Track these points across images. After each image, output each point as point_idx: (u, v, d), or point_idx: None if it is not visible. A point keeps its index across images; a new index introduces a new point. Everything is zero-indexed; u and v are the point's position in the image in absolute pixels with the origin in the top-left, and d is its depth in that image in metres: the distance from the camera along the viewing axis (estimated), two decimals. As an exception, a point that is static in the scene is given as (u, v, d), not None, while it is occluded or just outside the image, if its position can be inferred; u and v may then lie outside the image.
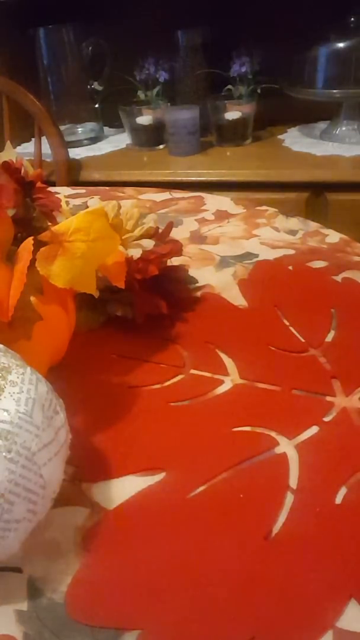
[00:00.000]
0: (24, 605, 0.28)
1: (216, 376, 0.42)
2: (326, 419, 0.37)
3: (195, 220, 0.70)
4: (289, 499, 0.32)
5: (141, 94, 1.36)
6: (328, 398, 0.39)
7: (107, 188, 0.86)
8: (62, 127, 1.26)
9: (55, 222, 0.43)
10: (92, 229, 0.39)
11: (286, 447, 0.35)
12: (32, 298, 0.37)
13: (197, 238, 0.65)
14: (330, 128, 1.30)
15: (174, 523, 0.31)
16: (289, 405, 0.39)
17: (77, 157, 1.31)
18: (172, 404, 0.40)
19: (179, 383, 0.42)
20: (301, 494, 0.32)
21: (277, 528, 0.30)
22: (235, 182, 1.16)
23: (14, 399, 0.27)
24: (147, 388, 0.41)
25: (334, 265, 0.56)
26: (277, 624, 0.26)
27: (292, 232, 0.65)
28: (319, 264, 0.57)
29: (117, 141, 1.43)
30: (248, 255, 0.60)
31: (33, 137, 1.28)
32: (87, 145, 1.41)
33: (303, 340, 0.45)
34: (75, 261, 0.37)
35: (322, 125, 1.35)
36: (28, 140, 1.46)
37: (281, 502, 0.32)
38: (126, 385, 0.42)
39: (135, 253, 0.45)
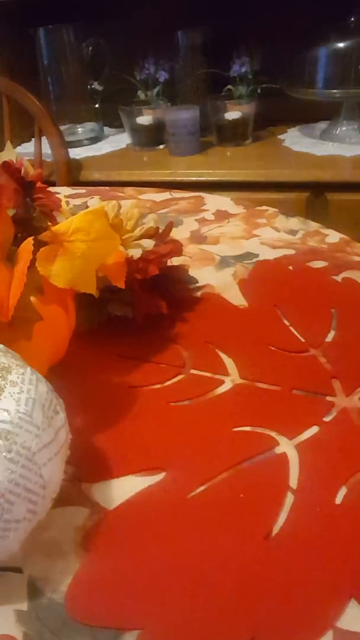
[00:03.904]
0: (24, 605, 0.28)
1: (216, 376, 0.42)
2: (326, 419, 0.37)
3: (195, 220, 0.70)
4: (289, 499, 0.32)
5: (141, 94, 1.36)
6: (328, 398, 0.39)
7: (107, 188, 0.86)
8: (62, 127, 1.26)
9: (55, 222, 0.43)
10: (92, 229, 0.39)
11: (286, 447, 0.35)
12: (32, 298, 0.37)
13: (197, 238, 0.65)
14: (330, 128, 1.30)
15: (174, 523, 0.31)
16: (289, 405, 0.39)
17: (77, 157, 1.31)
18: (172, 404, 0.40)
19: (179, 383, 0.42)
20: (301, 494, 0.32)
21: (277, 528, 0.30)
22: (235, 182, 1.16)
23: (14, 399, 0.27)
24: (147, 388, 0.41)
25: (334, 265, 0.56)
26: (277, 624, 0.26)
27: (292, 232, 0.65)
28: (319, 264, 0.57)
29: (117, 141, 1.43)
30: (248, 255, 0.60)
31: (33, 137, 1.28)
32: (87, 145, 1.41)
33: (303, 340, 0.45)
34: (75, 261, 0.37)
35: (322, 125, 1.35)
36: (28, 140, 1.46)
37: (281, 502, 0.32)
38: (126, 385, 0.42)
39: (135, 253, 0.45)
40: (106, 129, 1.50)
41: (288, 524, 0.31)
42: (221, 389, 0.41)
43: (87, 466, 0.35)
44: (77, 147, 1.38)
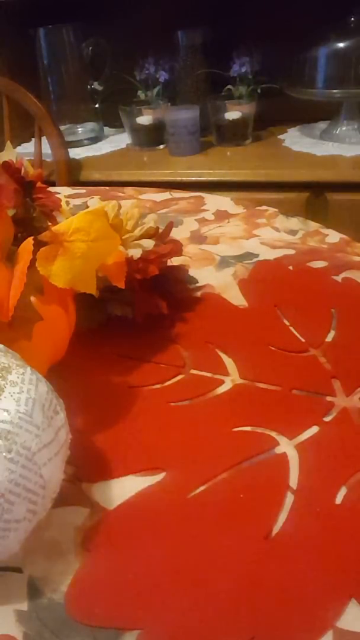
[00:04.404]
0: (24, 605, 0.28)
1: (216, 376, 0.42)
2: (326, 419, 0.37)
3: (195, 220, 0.70)
4: (289, 499, 0.32)
5: (141, 94, 1.36)
6: (328, 398, 0.39)
7: (107, 188, 0.86)
8: (62, 127, 1.26)
9: (55, 222, 0.43)
10: (92, 229, 0.39)
11: (286, 447, 0.35)
12: (32, 298, 0.37)
13: (197, 238, 0.65)
14: (330, 128, 1.30)
15: (174, 523, 0.31)
16: (289, 405, 0.39)
17: (77, 157, 1.31)
18: (172, 404, 0.40)
19: (179, 383, 0.42)
20: (301, 494, 0.32)
21: (277, 528, 0.30)
22: (235, 182, 1.16)
23: (14, 399, 0.27)
24: (147, 388, 0.41)
25: (334, 265, 0.56)
26: (277, 624, 0.26)
27: (292, 232, 0.65)
28: (319, 264, 0.57)
29: (117, 141, 1.43)
30: (248, 255, 0.60)
31: (33, 137, 1.28)
32: (87, 145, 1.41)
33: (303, 340, 0.45)
34: (75, 261, 0.37)
35: (322, 125, 1.35)
36: (28, 140, 1.46)
37: (281, 502, 0.32)
38: (126, 385, 0.42)
39: (135, 253, 0.45)
40: (106, 129, 1.49)
41: (288, 524, 0.31)
42: (221, 389, 0.41)
43: (87, 466, 0.35)
44: (77, 147, 1.38)
